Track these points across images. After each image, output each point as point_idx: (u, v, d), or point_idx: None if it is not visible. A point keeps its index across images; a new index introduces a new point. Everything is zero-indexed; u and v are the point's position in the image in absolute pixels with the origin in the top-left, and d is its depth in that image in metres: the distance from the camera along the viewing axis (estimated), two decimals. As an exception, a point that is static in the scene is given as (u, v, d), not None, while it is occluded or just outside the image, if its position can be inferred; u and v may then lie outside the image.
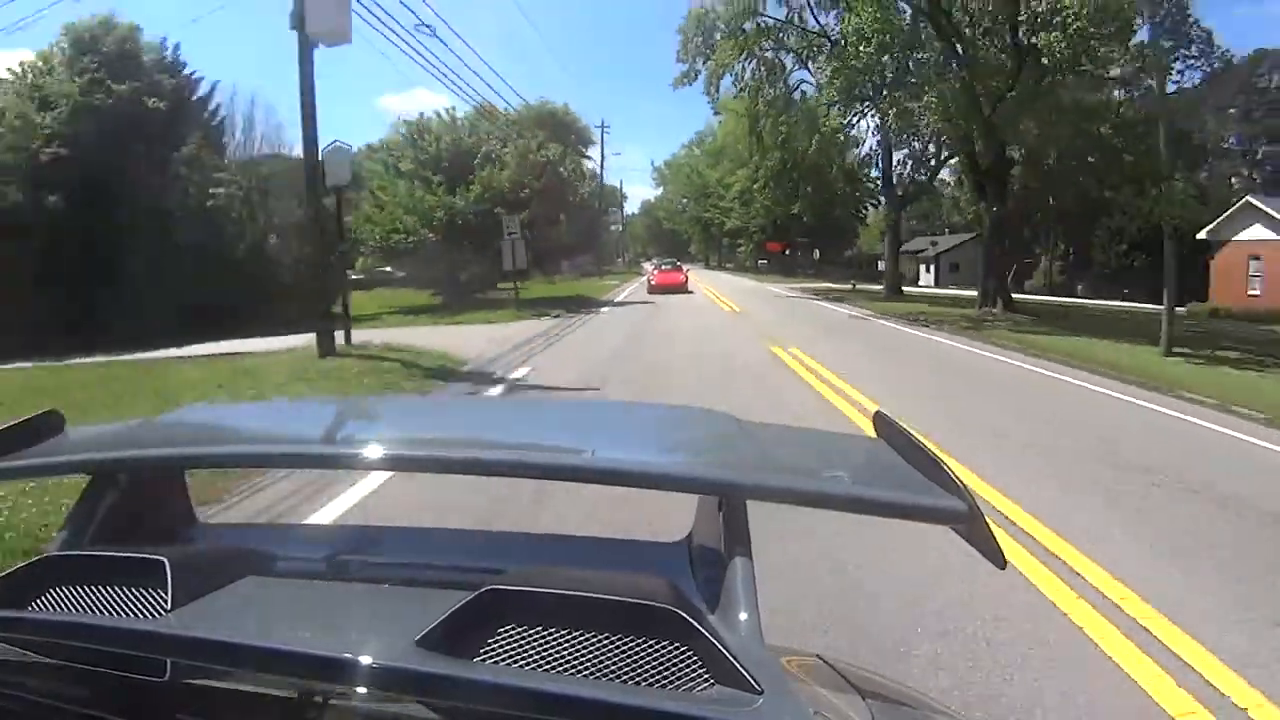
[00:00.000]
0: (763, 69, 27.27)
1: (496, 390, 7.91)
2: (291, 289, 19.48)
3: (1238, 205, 31.75)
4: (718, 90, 28.79)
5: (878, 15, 19.49)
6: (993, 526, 0.81)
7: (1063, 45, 13.92)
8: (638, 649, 0.68)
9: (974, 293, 22.10)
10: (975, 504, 0.78)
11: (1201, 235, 32.95)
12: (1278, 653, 2.69)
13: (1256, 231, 30.48)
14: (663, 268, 33.90)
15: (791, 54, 27.58)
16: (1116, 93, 28.31)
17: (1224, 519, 4.22)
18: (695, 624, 0.69)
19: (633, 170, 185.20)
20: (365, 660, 0.64)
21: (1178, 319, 13.67)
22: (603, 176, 48.79)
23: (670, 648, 0.68)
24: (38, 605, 0.81)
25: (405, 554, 1.06)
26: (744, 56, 26.97)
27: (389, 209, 20.07)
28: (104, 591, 0.80)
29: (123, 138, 18.89)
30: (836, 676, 0.89)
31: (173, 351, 13.41)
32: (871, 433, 1.12)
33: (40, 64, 21.40)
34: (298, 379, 7.92)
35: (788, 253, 56.55)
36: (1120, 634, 2.79)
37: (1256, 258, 30.52)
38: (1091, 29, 13.41)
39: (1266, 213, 30.00)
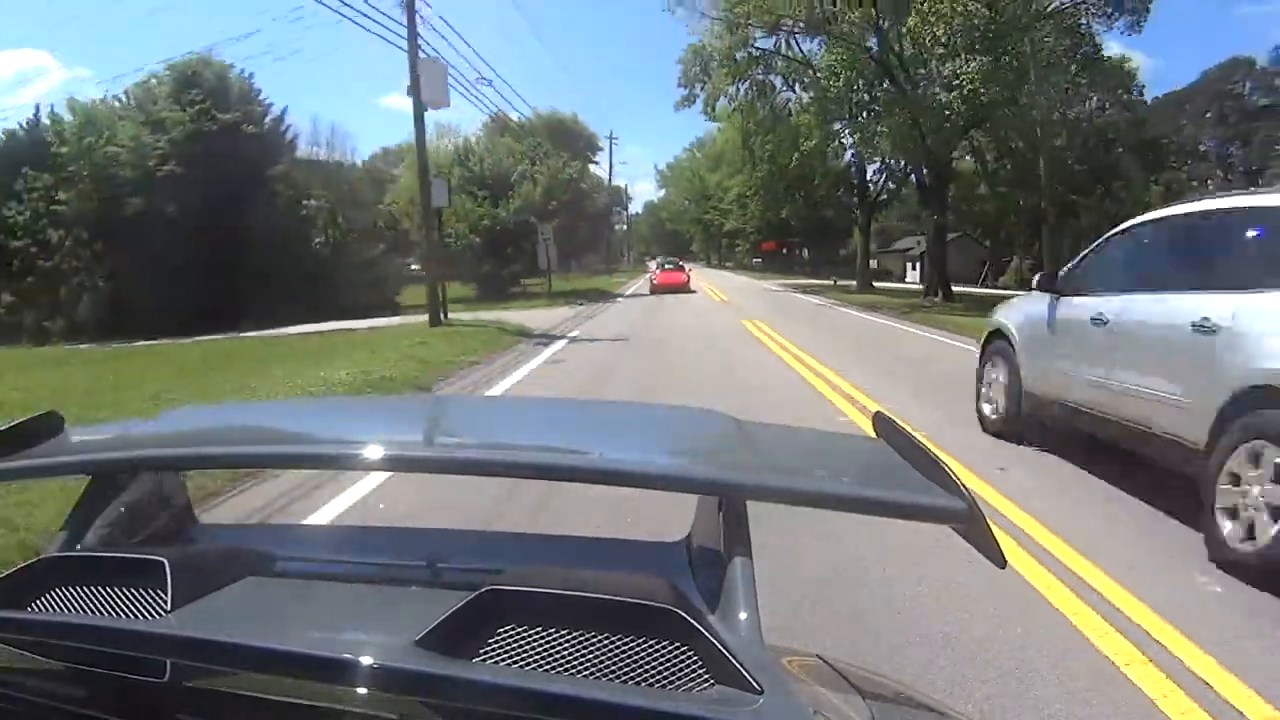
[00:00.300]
0: (754, 89, 31.32)
1: (562, 343, 12.19)
2: (363, 284, 23.85)
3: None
4: (714, 110, 33.05)
5: (845, 56, 23.83)
6: (992, 526, 0.81)
7: (959, 103, 18.22)
8: (638, 649, 0.68)
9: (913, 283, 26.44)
10: (975, 503, 0.79)
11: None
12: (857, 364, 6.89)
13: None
14: (665, 267, 33.65)
15: (779, 76, 31.79)
16: (1091, 102, 32.88)
17: (909, 369, 8.43)
18: (695, 624, 0.69)
19: (636, 172, 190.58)
20: (365, 661, 0.65)
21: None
22: (611, 182, 53.14)
23: (670, 648, 0.69)
24: (37, 606, 0.81)
25: (405, 554, 1.05)
26: (737, 80, 31.08)
27: (444, 218, 24.42)
28: (104, 592, 0.80)
29: (225, 157, 23.14)
30: (837, 676, 0.89)
31: (288, 330, 17.53)
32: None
33: (141, 93, 25.78)
34: (428, 339, 12.10)
35: (785, 251, 60.88)
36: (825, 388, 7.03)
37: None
38: (982, 89, 17.59)
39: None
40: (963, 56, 17.59)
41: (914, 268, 58.42)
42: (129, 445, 1.09)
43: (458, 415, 1.53)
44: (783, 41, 29.90)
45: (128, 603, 0.79)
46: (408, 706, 0.67)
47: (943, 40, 17.89)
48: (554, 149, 27.94)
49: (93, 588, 0.81)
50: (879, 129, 21.83)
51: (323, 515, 3.90)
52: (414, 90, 13.96)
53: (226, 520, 3.57)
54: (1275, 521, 2.93)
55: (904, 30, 19.32)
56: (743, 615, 0.80)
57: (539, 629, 0.70)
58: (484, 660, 0.68)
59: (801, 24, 25.98)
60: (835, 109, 24.78)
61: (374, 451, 0.95)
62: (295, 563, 1.00)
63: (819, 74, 25.32)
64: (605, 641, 0.69)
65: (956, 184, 31.73)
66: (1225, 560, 3.14)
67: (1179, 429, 3.57)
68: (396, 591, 0.93)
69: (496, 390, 8.08)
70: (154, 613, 0.77)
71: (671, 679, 0.68)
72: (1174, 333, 3.65)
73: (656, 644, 0.69)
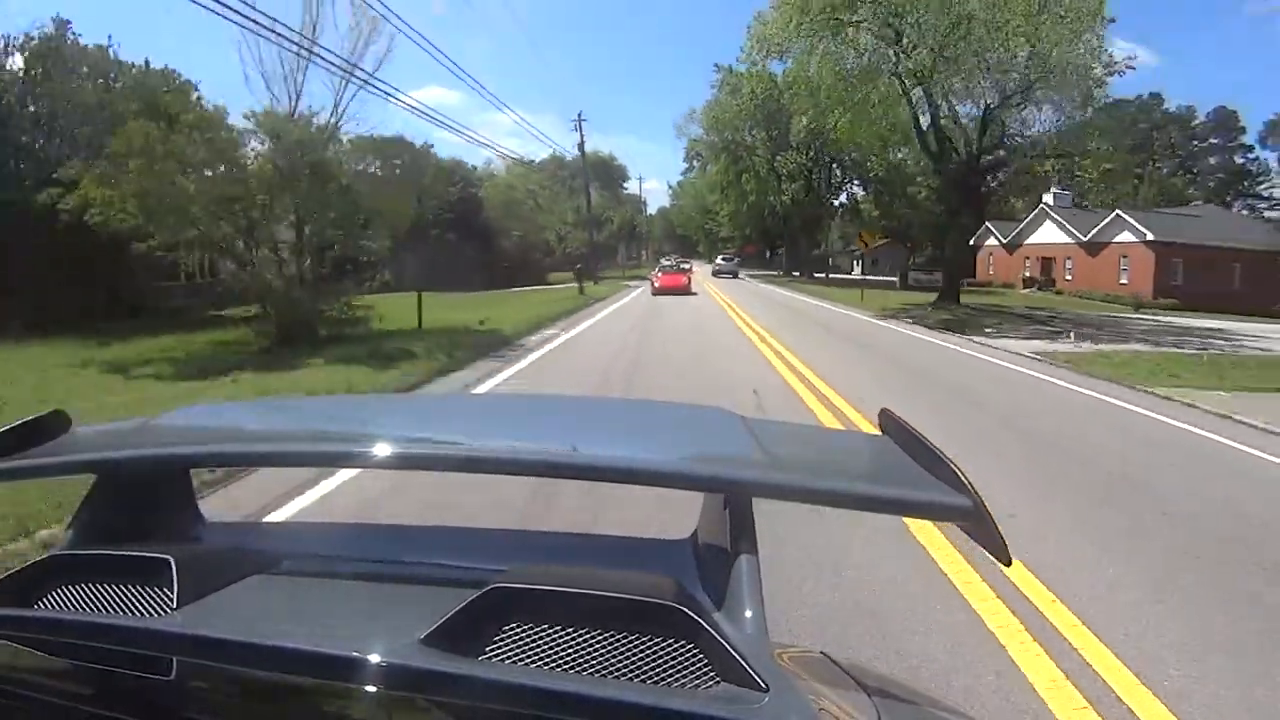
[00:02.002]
0: (729, 157, 56.05)
1: (644, 286, 37.47)
2: (525, 269, 49.16)
3: (982, 229, 60.22)
4: (705, 172, 58.32)
5: (765, 157, 48.99)
6: (996, 521, 0.83)
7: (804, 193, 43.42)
8: (644, 647, 0.69)
9: (857, 275, 52.08)
10: (981, 501, 0.80)
11: (971, 242, 61.84)
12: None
13: (992, 241, 58.75)
14: (672, 269, 35.56)
15: (743, 147, 56.54)
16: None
17: (767, 303, 33.66)
18: (701, 622, 0.70)
19: (649, 170, 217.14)
20: (371, 658, 0.66)
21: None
22: (641, 198, 78.85)
23: (676, 645, 0.70)
24: (44, 604, 0.82)
25: (411, 552, 1.07)
26: (718, 153, 56.02)
27: (567, 240, 49.82)
28: (110, 590, 0.81)
29: (470, 210, 48.36)
30: (841, 673, 0.89)
31: (516, 289, 42.57)
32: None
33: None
34: (593, 287, 37.15)
35: (768, 253, 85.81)
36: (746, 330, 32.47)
37: (991, 255, 59.02)
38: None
39: (994, 232, 58.47)
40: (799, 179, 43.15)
41: (858, 263, 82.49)
42: (133, 444, 1.09)
43: (465, 413, 1.55)
44: (744, 134, 54.93)
45: (134, 600, 0.80)
46: (414, 704, 0.68)
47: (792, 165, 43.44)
48: (631, 210, 53.48)
49: (99, 585, 0.82)
50: (782, 198, 47.35)
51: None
52: (586, 198, 39.44)
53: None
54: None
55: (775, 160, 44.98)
56: (748, 613, 0.81)
57: (545, 626, 0.71)
58: (490, 658, 0.69)
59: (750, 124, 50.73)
60: (766, 183, 50.03)
61: (381, 449, 0.96)
62: (301, 560, 1.00)
63: (754, 164, 50.59)
64: (611, 639, 0.70)
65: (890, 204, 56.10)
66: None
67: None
68: (402, 589, 0.93)
69: (631, 294, 33.20)
70: (160, 610, 0.78)
71: (677, 676, 0.68)
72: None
73: (662, 642, 0.70)
